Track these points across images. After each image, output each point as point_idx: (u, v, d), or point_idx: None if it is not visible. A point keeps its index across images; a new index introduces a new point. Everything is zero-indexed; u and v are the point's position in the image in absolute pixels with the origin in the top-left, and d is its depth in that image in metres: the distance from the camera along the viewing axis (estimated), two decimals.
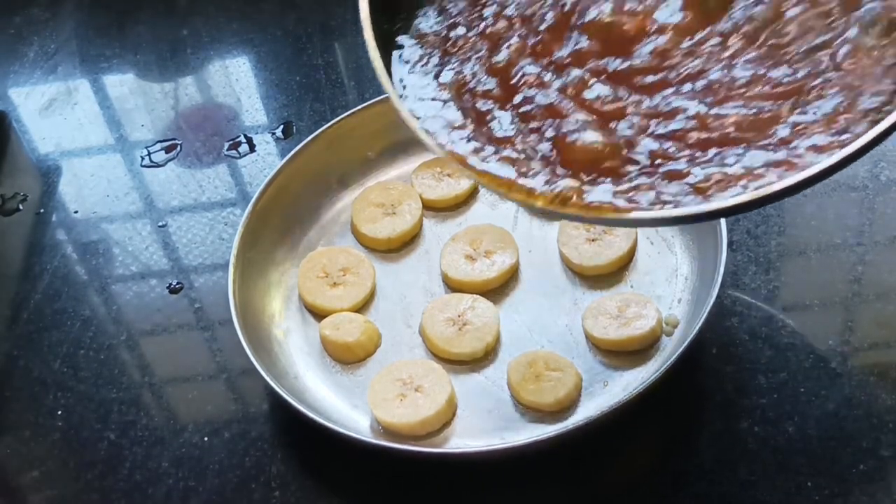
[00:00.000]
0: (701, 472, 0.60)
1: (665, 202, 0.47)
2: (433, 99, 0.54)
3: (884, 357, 0.65)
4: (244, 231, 0.73)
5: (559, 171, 0.50)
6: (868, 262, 0.70)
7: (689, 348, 0.60)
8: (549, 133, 0.51)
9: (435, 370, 0.66)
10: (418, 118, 0.53)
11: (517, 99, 0.53)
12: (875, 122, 0.45)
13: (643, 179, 0.48)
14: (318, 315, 0.72)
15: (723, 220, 0.65)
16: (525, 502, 0.61)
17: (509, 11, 0.56)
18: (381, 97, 0.81)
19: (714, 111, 0.49)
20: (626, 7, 0.53)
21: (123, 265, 0.82)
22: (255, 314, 0.71)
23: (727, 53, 0.50)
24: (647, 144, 0.49)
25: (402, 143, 0.81)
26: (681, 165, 0.48)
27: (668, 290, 0.69)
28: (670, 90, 0.50)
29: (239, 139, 0.92)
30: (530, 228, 0.75)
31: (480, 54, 0.55)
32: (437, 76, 0.55)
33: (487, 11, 0.57)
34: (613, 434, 0.62)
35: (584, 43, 0.53)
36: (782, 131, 0.47)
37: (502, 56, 0.54)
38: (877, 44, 0.47)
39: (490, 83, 0.54)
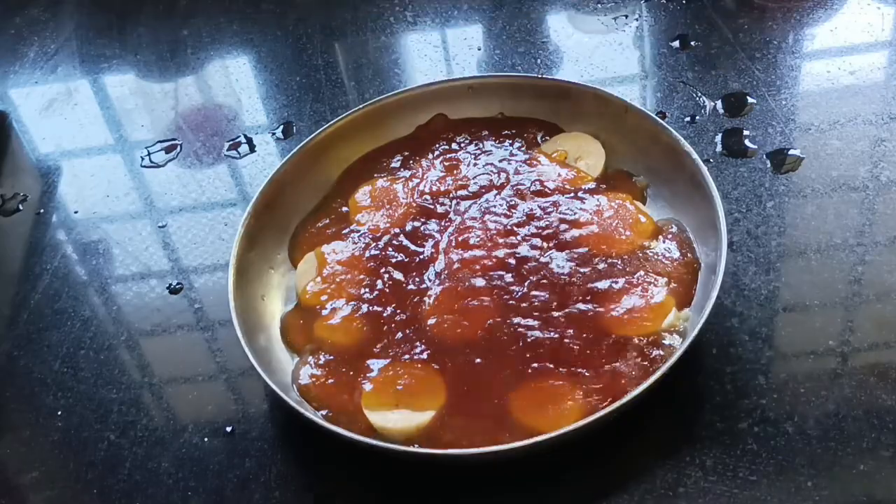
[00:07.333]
0: (701, 472, 0.60)
1: None
2: None
3: (884, 357, 0.65)
4: (244, 231, 0.73)
5: None
6: (868, 262, 0.70)
7: (690, 348, 0.60)
8: None
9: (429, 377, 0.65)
10: None
11: None
12: None
13: None
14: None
15: (723, 221, 0.65)
16: (524, 503, 0.61)
17: None
18: (381, 97, 0.81)
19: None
20: None
21: (123, 265, 0.82)
22: (255, 314, 0.70)
23: None
24: None
25: (402, 142, 0.81)
26: None
27: None
28: None
29: (239, 139, 0.92)
30: None
31: None
32: None
33: None
34: (613, 434, 0.62)
35: None
36: None
37: None
38: None
39: None
